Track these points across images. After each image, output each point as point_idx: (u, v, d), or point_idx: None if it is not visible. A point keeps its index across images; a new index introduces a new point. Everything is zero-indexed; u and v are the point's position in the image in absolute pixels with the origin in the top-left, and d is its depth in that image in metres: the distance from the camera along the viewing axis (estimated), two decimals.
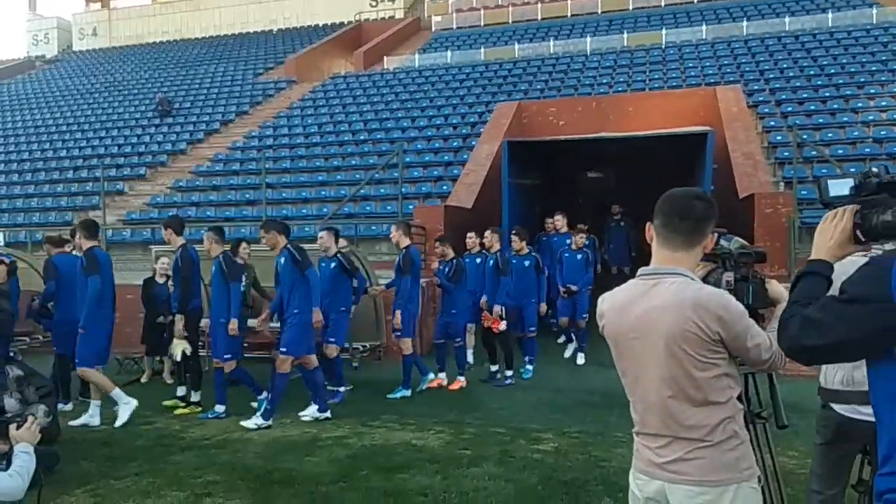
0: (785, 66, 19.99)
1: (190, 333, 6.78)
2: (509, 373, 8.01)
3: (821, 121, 16.01)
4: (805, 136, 15.32)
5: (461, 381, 7.73)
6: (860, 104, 16.52)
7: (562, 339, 10.03)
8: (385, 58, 27.65)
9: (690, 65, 21.42)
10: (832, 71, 18.88)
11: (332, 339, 7.19)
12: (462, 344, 7.88)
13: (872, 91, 17.09)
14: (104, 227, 14.85)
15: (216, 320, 6.53)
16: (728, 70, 20.35)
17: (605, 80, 21.06)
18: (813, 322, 1.56)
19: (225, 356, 6.47)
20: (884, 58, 19.05)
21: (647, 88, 19.72)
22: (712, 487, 1.89)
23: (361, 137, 19.24)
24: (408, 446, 5.32)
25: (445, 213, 11.83)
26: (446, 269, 7.82)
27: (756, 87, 18.45)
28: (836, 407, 2.66)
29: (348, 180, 16.37)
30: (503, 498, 4.24)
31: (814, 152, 14.55)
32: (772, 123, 16.24)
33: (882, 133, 14.95)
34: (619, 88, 20.09)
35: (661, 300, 1.97)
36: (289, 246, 6.39)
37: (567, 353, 9.27)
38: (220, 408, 6.61)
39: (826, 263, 1.76)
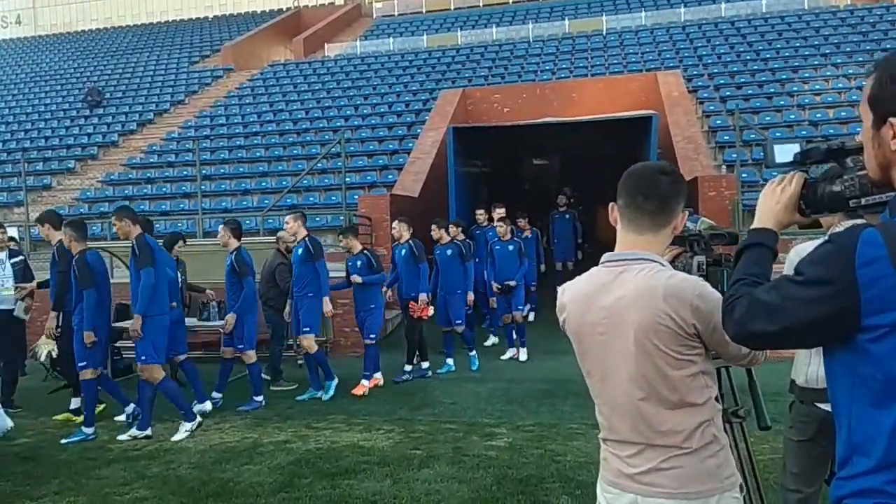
0: (722, 51, 20.31)
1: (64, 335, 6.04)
2: (408, 368, 7.64)
3: (758, 104, 16.29)
4: (742, 121, 15.58)
5: (364, 385, 7.08)
6: (795, 88, 16.89)
7: (490, 342, 9.49)
8: (325, 45, 27.04)
9: (631, 51, 21.58)
10: (767, 55, 19.25)
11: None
12: (374, 343, 7.26)
13: (807, 75, 17.49)
14: (27, 225, 14.02)
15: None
16: (668, 56, 20.56)
17: (548, 67, 21.02)
18: (763, 305, 1.36)
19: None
20: (816, 42, 19.54)
21: (590, 74, 19.76)
22: (692, 500, 1.68)
23: (303, 126, 18.72)
24: (355, 448, 5.04)
25: (391, 203, 11.51)
26: (357, 263, 7.29)
27: (695, 73, 18.68)
28: (822, 404, 2.50)
29: (290, 171, 15.88)
30: (457, 501, 4.01)
31: (753, 135, 14.80)
32: (711, 108, 16.46)
33: (818, 115, 15.29)
34: (562, 75, 20.08)
35: (628, 290, 1.75)
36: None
37: (505, 356, 8.61)
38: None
39: (771, 233, 1.57)
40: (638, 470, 1.75)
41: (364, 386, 7.06)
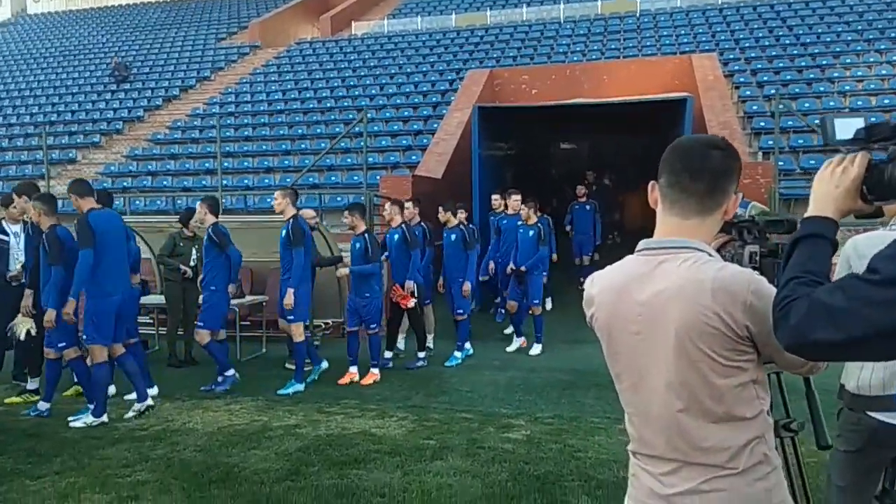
0: (760, 34, 19.64)
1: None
2: (421, 354, 7.35)
3: (797, 90, 15.70)
4: (781, 106, 15.03)
5: (375, 374, 6.76)
6: (836, 74, 16.27)
7: (509, 330, 9.06)
8: (353, 23, 26.72)
9: (665, 33, 20.97)
10: (808, 40, 18.57)
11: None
12: (377, 332, 6.87)
13: (848, 61, 16.82)
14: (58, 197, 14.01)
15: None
16: (703, 39, 19.94)
17: (578, 48, 20.51)
18: (826, 309, 1.14)
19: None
20: (859, 27, 18.78)
21: (622, 56, 19.23)
22: None
23: (327, 105, 18.51)
24: (366, 436, 4.85)
25: (414, 184, 11.26)
26: (357, 246, 6.79)
27: (731, 57, 18.08)
28: (873, 412, 2.23)
29: (313, 149, 15.69)
30: (469, 497, 3.80)
31: (790, 122, 14.26)
32: (747, 93, 15.91)
33: (858, 103, 14.68)
34: (593, 57, 19.57)
35: (669, 282, 1.49)
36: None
37: (510, 348, 8.14)
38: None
39: (830, 222, 1.33)
40: (674, 490, 1.51)
41: (374, 374, 6.76)
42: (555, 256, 9.64)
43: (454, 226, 7.75)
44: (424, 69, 20.20)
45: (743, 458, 1.45)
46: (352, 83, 19.89)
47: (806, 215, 1.36)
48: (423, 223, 7.94)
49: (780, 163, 12.14)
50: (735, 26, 20.65)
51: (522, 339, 8.20)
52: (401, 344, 7.92)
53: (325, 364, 6.81)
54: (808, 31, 19.20)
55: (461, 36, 23.03)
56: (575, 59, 19.35)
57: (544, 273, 9.00)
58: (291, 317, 6.37)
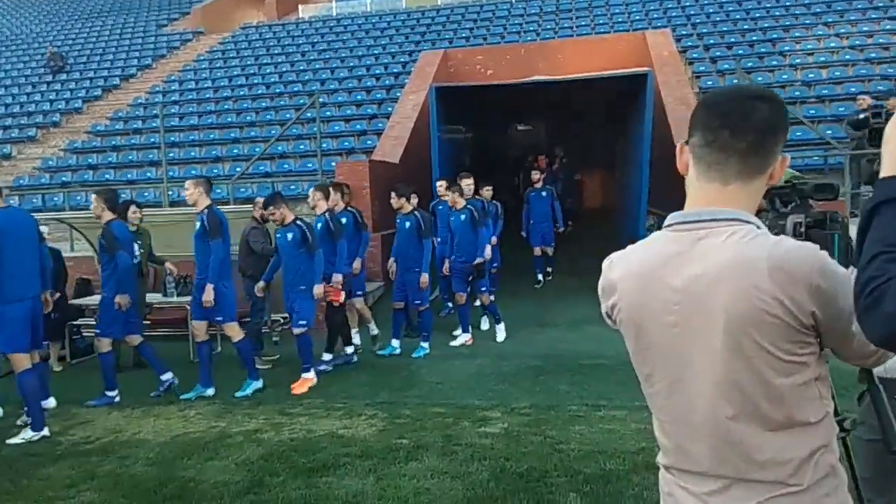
0: (711, 10, 19.72)
1: None
2: (349, 349, 6.91)
3: (750, 65, 15.75)
4: (735, 81, 15.08)
5: (309, 377, 6.07)
6: (787, 48, 16.39)
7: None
8: (299, 6, 26.00)
9: (617, 10, 20.89)
10: (757, 15, 18.72)
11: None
12: (305, 330, 6.15)
13: (798, 34, 16.97)
14: None
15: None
16: (655, 16, 19.91)
17: (531, 28, 20.30)
18: None
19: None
20: (806, 1, 18.98)
21: (575, 35, 19.06)
22: None
23: (276, 90, 17.90)
24: (334, 438, 4.52)
25: (371, 169, 10.88)
26: (289, 236, 6.19)
27: (684, 33, 18.08)
28: None
29: (263, 137, 15.12)
30: (449, 501, 3.52)
31: None
32: (702, 69, 15.91)
33: (810, 76, 14.83)
34: (547, 36, 19.37)
35: (713, 263, 1.22)
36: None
37: (456, 343, 7.61)
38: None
39: None
40: None
41: (308, 378, 6.05)
42: (494, 239, 8.73)
43: (408, 212, 7.30)
44: (376, 52, 19.72)
45: (808, 471, 1.20)
46: (301, 67, 19.29)
47: (882, 175, 1.09)
48: (349, 208, 7.45)
49: None
50: (686, 2, 20.67)
51: (469, 335, 7.69)
52: (357, 339, 7.44)
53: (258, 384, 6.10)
54: (757, 5, 19.34)
55: (412, 17, 22.57)
56: (528, 38, 19.12)
57: (495, 265, 8.71)
58: (220, 318, 5.87)
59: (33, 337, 4.98)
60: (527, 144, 18.45)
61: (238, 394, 5.83)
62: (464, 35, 20.16)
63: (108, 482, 3.94)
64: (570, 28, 19.86)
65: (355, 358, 6.93)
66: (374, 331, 7.59)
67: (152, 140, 15.99)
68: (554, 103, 14.96)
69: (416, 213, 7.32)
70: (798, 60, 15.59)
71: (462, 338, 7.64)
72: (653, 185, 9.72)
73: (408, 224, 7.25)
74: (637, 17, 19.90)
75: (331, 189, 7.13)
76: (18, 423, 5.09)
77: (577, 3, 21.90)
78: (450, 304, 8.95)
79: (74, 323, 7.83)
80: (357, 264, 7.34)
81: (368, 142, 14.21)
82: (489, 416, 4.90)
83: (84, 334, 8.03)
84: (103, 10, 30.18)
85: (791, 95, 14.00)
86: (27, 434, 4.81)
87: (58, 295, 6.38)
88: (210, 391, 5.87)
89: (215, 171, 14.45)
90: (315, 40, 21.58)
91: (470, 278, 7.60)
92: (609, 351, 6.94)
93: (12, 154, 17.20)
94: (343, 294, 6.63)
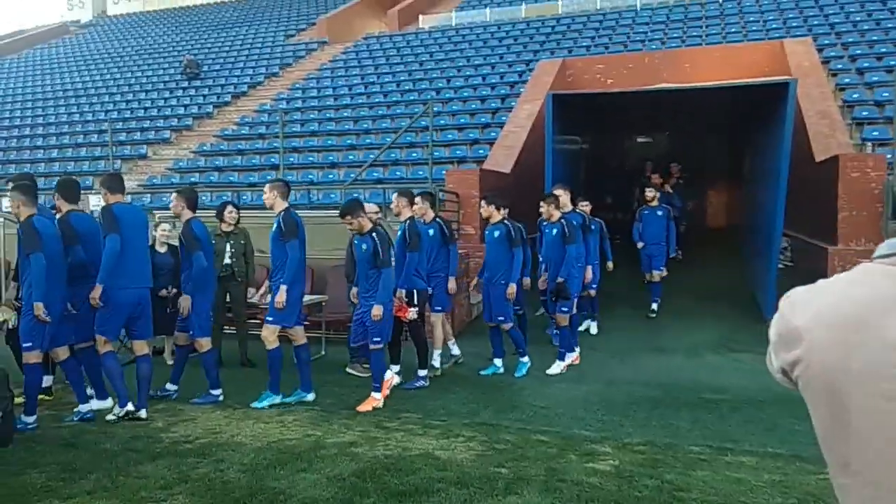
0: (858, 18, 18.16)
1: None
2: (422, 372, 6.41)
3: None
4: (885, 94, 13.72)
5: (375, 399, 5.68)
6: None
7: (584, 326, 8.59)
8: (420, 16, 26.31)
9: (752, 19, 19.66)
10: None
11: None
12: (379, 346, 5.80)
13: None
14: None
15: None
16: (794, 24, 18.57)
17: (656, 37, 19.46)
18: None
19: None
20: None
21: (704, 44, 18.07)
22: None
23: (393, 99, 18.12)
24: (429, 459, 4.26)
25: (481, 178, 10.65)
26: (363, 247, 5.79)
27: (826, 42, 16.72)
28: None
29: (378, 144, 15.28)
30: None
31: None
32: (846, 80, 14.61)
33: None
34: (673, 45, 18.49)
35: None
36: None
37: (553, 370, 6.96)
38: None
39: None
40: None
41: (374, 399, 5.68)
42: (610, 265, 8.56)
43: (497, 221, 6.90)
44: (493, 61, 19.57)
45: None
46: (418, 76, 19.44)
47: None
48: (437, 218, 7.01)
49: (888, 155, 10.96)
50: (829, 10, 19.16)
51: (566, 361, 7.05)
52: (455, 349, 7.24)
53: (310, 396, 5.90)
54: None
55: (531, 27, 22.27)
56: (653, 47, 18.31)
57: (594, 286, 8.14)
58: (270, 318, 5.71)
59: (137, 327, 5.28)
60: (646, 157, 17.66)
61: (254, 404, 5.62)
62: (584, 44, 19.62)
63: (200, 487, 3.86)
64: (698, 37, 18.88)
65: (426, 383, 6.39)
66: (455, 351, 7.19)
67: (275, 145, 16.56)
68: (678, 114, 14.19)
69: (506, 221, 6.92)
70: None
71: (558, 366, 6.96)
72: (787, 206, 8.90)
73: (496, 233, 6.86)
74: (774, 26, 18.63)
75: (419, 197, 6.87)
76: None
77: (707, 11, 20.83)
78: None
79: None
80: (452, 284, 6.94)
81: (481, 151, 14.02)
82: (598, 450, 4.48)
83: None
84: (237, 20, 31.94)
85: None
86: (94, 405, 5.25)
87: (174, 291, 6.54)
88: (277, 398, 5.72)
89: (331, 176, 14.74)
90: (433, 50, 21.73)
91: (553, 299, 6.96)
92: (731, 384, 6.35)
93: (147, 154, 18.34)
94: (412, 310, 6.22)
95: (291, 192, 13.01)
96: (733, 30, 18.89)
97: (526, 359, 6.91)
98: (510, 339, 6.91)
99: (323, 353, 7.71)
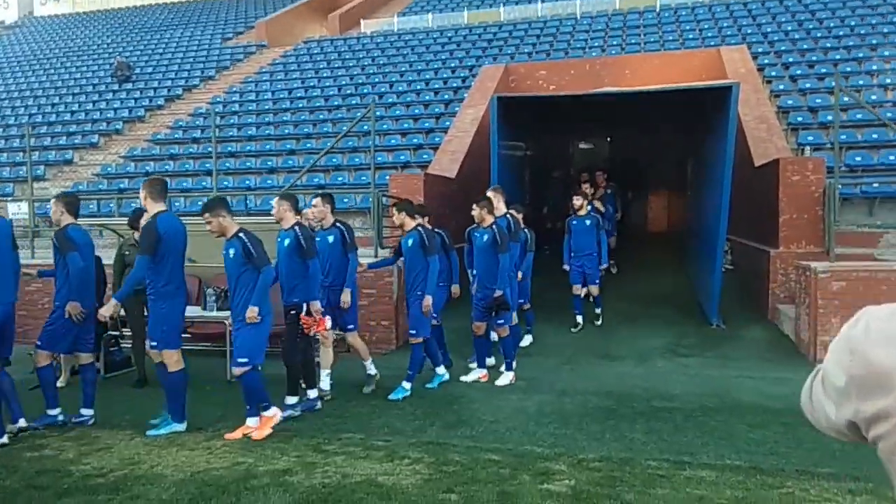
0: (789, 28, 18.68)
1: None
2: (312, 393, 5.81)
3: (833, 84, 14.67)
4: (819, 101, 14.07)
5: (251, 427, 5.08)
6: (875, 66, 15.24)
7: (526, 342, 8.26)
8: (362, 21, 25.92)
9: (688, 27, 20.03)
10: (841, 33, 17.60)
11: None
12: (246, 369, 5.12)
13: (887, 53, 15.80)
14: (30, 201, 13.21)
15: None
16: (729, 33, 18.96)
17: (596, 44, 19.60)
18: None
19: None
20: (895, 19, 17.75)
21: (643, 52, 18.27)
22: None
23: (334, 103, 17.68)
24: (371, 487, 3.91)
25: (426, 183, 10.37)
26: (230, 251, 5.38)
27: (760, 50, 17.10)
28: None
29: (318, 149, 14.81)
30: None
31: (829, 117, 13.26)
32: (781, 87, 14.94)
33: None
34: (613, 52, 18.64)
35: None
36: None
37: (466, 377, 6.73)
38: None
39: None
40: None
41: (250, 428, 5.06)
42: (519, 274, 7.66)
43: (411, 229, 6.40)
44: (436, 66, 19.35)
45: None
46: (360, 81, 19.05)
47: None
48: (338, 224, 6.37)
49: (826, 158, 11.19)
50: (762, 20, 19.67)
51: (483, 371, 6.82)
52: (371, 368, 6.47)
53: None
54: (841, 23, 18.23)
55: (473, 33, 22.17)
56: (594, 54, 18.41)
57: (522, 300, 7.77)
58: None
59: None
60: (586, 164, 17.70)
61: (150, 433, 5.08)
62: (526, 51, 19.60)
63: None
64: (637, 45, 19.09)
65: (319, 405, 5.78)
66: (372, 370, 6.47)
67: (209, 150, 15.90)
68: (621, 120, 14.22)
69: (419, 228, 6.43)
70: (888, 80, 14.45)
71: (506, 376, 6.64)
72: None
73: (410, 241, 6.36)
74: (710, 34, 18.99)
75: (318, 199, 6.51)
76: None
77: (645, 20, 21.11)
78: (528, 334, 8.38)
79: (112, 333, 7.52)
80: (345, 296, 6.16)
81: (425, 156, 13.74)
82: (552, 468, 4.21)
83: (122, 346, 7.71)
84: (172, 23, 30.90)
85: (883, 116, 12.89)
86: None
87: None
88: (180, 427, 5.20)
89: (269, 181, 14.21)
90: (375, 55, 21.38)
91: (493, 313, 6.55)
92: (680, 392, 6.23)
93: (74, 160, 17.39)
94: (329, 320, 5.79)
95: (228, 198, 12.55)
96: (670, 38, 19.18)
97: (441, 369, 6.60)
98: (425, 352, 6.39)
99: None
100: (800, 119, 13.44)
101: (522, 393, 6.24)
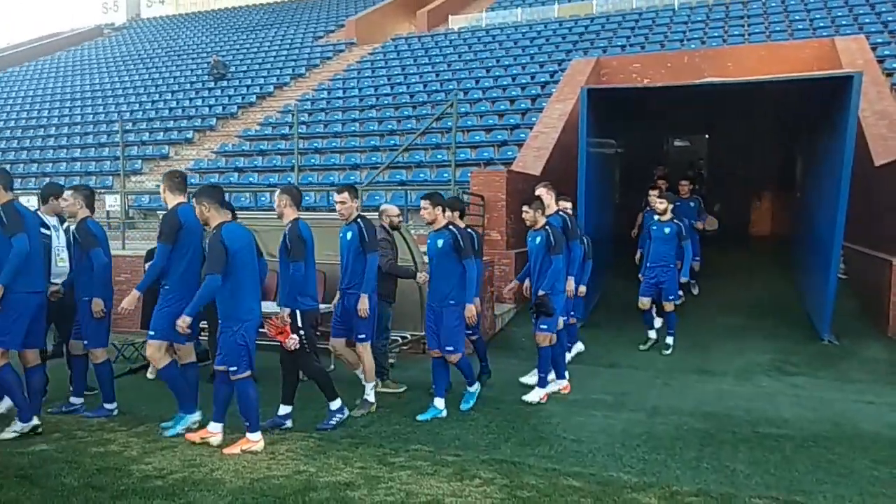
0: None
1: None
2: (334, 405, 5.17)
3: None
4: None
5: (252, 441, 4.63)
6: None
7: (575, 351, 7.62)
8: (450, 17, 25.70)
9: (797, 17, 18.66)
10: None
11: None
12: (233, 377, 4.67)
13: None
14: (123, 193, 13.66)
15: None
16: (843, 22, 17.53)
17: (695, 36, 18.56)
18: None
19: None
20: None
21: (747, 43, 17.13)
22: None
23: (420, 100, 17.50)
24: None
25: (508, 181, 9.94)
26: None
27: (879, 41, 15.68)
28: None
29: (403, 146, 14.64)
30: None
31: None
32: None
33: None
34: (714, 44, 17.57)
35: None
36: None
37: (528, 397, 5.95)
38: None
39: None
40: None
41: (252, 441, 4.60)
42: (582, 289, 7.22)
43: (442, 227, 5.64)
44: (524, 61, 18.86)
45: None
46: (446, 77, 18.81)
47: None
48: (360, 219, 5.68)
49: None
50: (880, 7, 18.06)
51: (563, 382, 6.24)
52: (371, 396, 5.67)
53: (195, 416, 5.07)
54: None
55: (564, 27, 21.53)
56: (692, 47, 17.41)
57: (572, 313, 6.95)
58: (153, 333, 5.03)
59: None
60: (683, 162, 16.75)
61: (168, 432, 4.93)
62: (619, 44, 18.82)
63: None
64: (741, 36, 17.95)
65: (288, 422, 5.15)
66: (371, 397, 5.68)
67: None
68: (723, 115, 13.30)
69: (451, 227, 5.69)
70: None
71: (537, 392, 5.96)
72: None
73: (440, 242, 5.59)
74: (821, 24, 17.62)
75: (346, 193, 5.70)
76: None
77: (750, 10, 19.85)
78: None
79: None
80: (363, 303, 5.47)
81: (509, 153, 13.31)
82: (641, 500, 3.73)
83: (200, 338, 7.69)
84: (266, 23, 31.72)
85: None
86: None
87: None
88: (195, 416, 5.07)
89: (352, 177, 14.16)
90: (462, 51, 21.10)
91: (534, 315, 5.95)
92: (791, 416, 5.56)
93: (169, 155, 17.99)
94: (293, 336, 4.93)
95: (309, 193, 12.48)
96: (778, 28, 17.92)
97: (475, 388, 5.80)
98: (460, 370, 5.67)
99: (332, 367, 7.04)
100: None
101: (609, 409, 5.73)
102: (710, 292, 10.06)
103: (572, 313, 7.05)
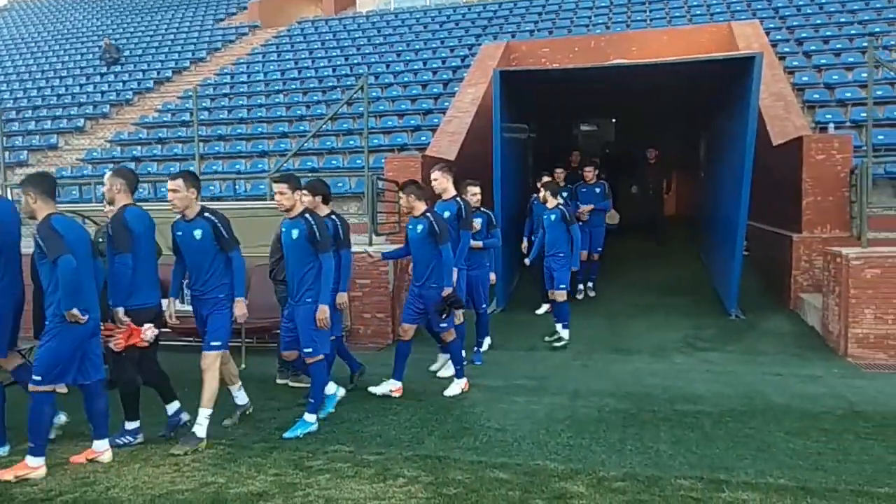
0: (801, 2, 17.93)
1: None
2: (171, 408, 4.79)
3: (851, 60, 14.03)
4: (835, 76, 13.42)
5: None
6: (892, 42, 14.57)
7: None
8: (357, 0, 25.12)
9: (695, 3, 19.29)
10: (855, 7, 16.88)
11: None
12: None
13: None
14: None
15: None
16: (738, 8, 18.25)
17: (601, 21, 18.91)
18: None
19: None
20: None
21: (649, 28, 17.57)
22: None
23: (329, 84, 17.00)
24: None
25: (423, 165, 9.75)
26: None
27: (772, 26, 16.41)
28: None
29: (312, 132, 14.16)
30: None
31: (848, 93, 12.65)
32: (795, 63, 14.28)
33: None
34: (618, 29, 17.94)
35: None
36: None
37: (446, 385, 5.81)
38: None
39: None
40: None
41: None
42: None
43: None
44: (434, 45, 18.65)
45: None
46: (355, 61, 18.36)
47: None
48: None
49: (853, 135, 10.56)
50: None
51: (399, 384, 5.77)
52: (241, 398, 5.12)
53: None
54: None
55: (472, 11, 21.45)
56: (597, 31, 17.71)
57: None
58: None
59: None
60: (589, 146, 17.02)
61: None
62: (527, 29, 18.92)
63: None
64: (643, 21, 18.40)
65: (184, 415, 4.79)
66: (242, 400, 5.12)
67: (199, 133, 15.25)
68: (628, 99, 13.55)
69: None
70: None
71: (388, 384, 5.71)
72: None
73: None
74: (718, 10, 18.28)
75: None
76: None
77: None
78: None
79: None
80: (239, 307, 4.80)
81: (423, 138, 13.11)
82: (570, 489, 3.64)
83: None
84: (162, 4, 30.09)
85: None
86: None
87: None
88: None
89: (260, 165, 13.60)
90: (371, 34, 20.67)
91: (444, 315, 5.58)
92: (705, 391, 5.66)
93: (59, 144, 16.76)
94: (149, 330, 4.48)
95: (214, 183, 11.86)
96: (677, 14, 18.50)
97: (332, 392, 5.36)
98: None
99: (244, 365, 6.67)
100: (816, 96, 12.81)
101: (531, 395, 5.66)
102: (622, 272, 10.24)
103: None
